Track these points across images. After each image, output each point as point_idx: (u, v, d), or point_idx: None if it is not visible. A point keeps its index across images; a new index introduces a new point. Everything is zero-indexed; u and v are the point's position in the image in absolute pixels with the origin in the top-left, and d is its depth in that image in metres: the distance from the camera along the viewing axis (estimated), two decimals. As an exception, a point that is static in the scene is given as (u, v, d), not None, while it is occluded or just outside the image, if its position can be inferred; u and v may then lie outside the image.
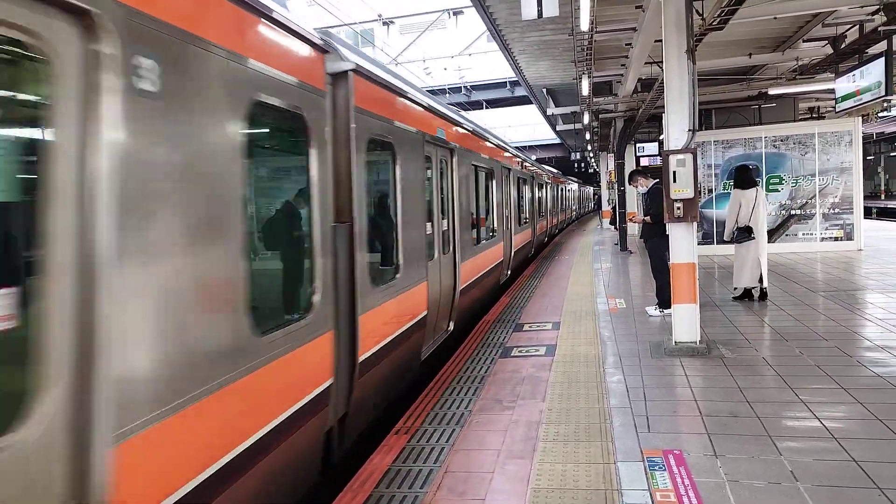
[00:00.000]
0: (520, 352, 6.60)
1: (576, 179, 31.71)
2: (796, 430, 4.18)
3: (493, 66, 26.90)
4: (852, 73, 10.67)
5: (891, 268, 11.18)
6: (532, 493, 3.44)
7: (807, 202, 14.16)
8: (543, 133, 39.92)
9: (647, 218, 8.15)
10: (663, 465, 3.69)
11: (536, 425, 4.45)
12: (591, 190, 58.91)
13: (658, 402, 4.83)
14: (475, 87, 28.36)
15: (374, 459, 4.05)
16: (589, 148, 32.05)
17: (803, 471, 3.51)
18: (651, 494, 3.35)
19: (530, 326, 7.83)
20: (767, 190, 14.32)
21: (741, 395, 4.84)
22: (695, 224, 6.31)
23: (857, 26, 10.89)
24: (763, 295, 8.62)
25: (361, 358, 4.33)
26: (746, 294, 8.74)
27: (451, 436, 4.35)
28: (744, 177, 8.69)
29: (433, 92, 24.02)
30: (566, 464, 3.80)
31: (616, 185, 18.86)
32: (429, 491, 3.55)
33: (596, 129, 22.42)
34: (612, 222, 22.25)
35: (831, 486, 3.32)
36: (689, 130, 6.13)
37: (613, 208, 21.85)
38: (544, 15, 6.08)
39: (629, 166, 17.78)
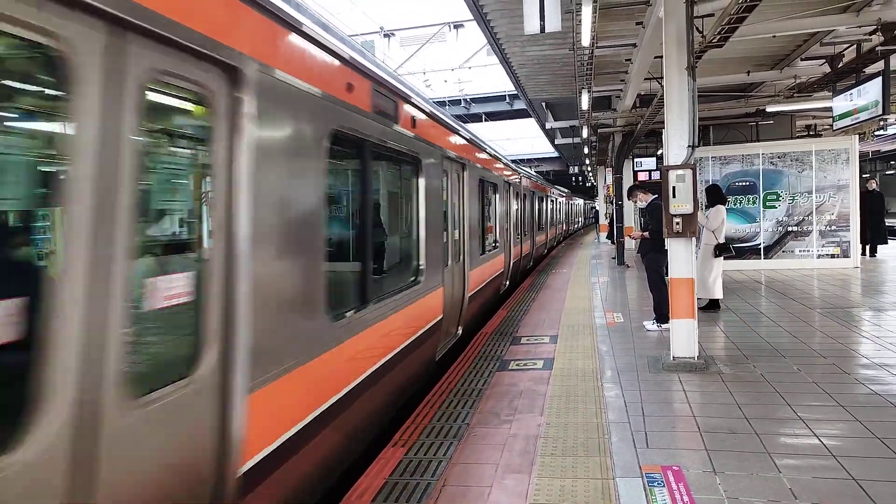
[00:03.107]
0: (517, 365, 6.58)
1: (564, 190, 31.77)
2: (795, 447, 4.17)
3: (492, 79, 27.18)
4: (850, 92, 10.76)
5: (887, 285, 11.21)
6: (530, 508, 3.42)
7: (803, 219, 14.22)
8: (542, 146, 40.10)
9: (646, 233, 8.19)
10: (662, 482, 3.67)
11: (534, 439, 4.44)
12: (587, 204, 58.88)
13: (656, 417, 4.82)
14: (474, 100, 28.48)
15: (371, 472, 4.02)
16: (587, 162, 32.17)
17: (802, 488, 3.50)
18: (650, 511, 3.34)
19: (528, 340, 7.82)
20: (764, 206, 14.41)
21: (739, 412, 4.83)
22: (693, 239, 6.33)
23: (855, 46, 11.00)
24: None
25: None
26: (713, 305, 9.07)
27: (449, 449, 4.33)
28: (722, 194, 9.22)
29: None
30: (564, 479, 3.78)
31: (614, 200, 18.90)
32: (426, 504, 3.53)
33: (594, 144, 22.51)
34: (609, 236, 22.23)
35: (830, 505, 3.31)
36: (689, 146, 6.17)
37: (610, 222, 21.84)
38: (547, 30, 6.11)
39: (627, 181, 17.85)
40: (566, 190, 35.84)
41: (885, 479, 3.58)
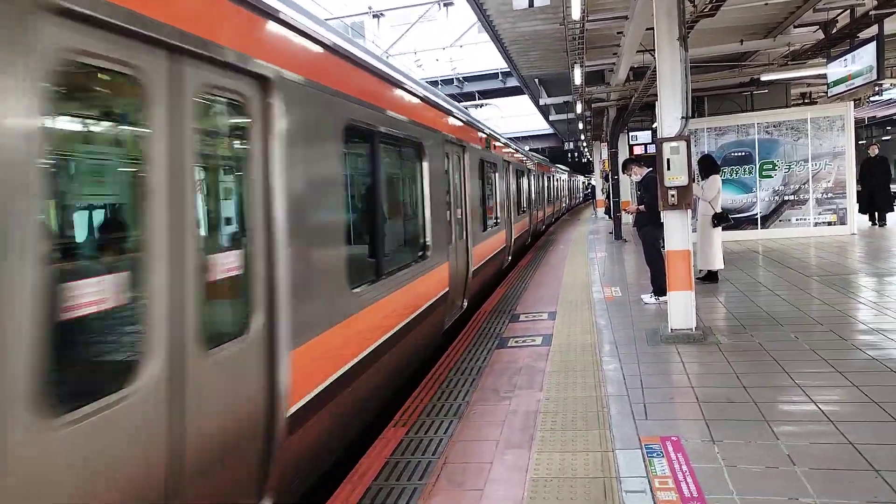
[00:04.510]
0: (516, 342, 6.61)
1: (560, 166, 31.90)
2: (793, 414, 4.20)
3: (484, 57, 26.86)
4: (844, 58, 10.66)
5: (883, 252, 11.22)
6: (531, 483, 3.45)
7: (800, 187, 14.19)
8: (536, 123, 39.87)
9: (642, 207, 8.17)
10: (661, 452, 3.70)
11: (534, 415, 4.46)
12: (575, 180, 58.42)
13: (655, 389, 4.85)
14: (467, 79, 28.31)
15: (373, 451, 4.05)
16: (582, 137, 32.02)
17: (800, 454, 3.53)
18: (650, 481, 3.37)
19: (526, 316, 7.84)
20: (760, 176, 14.37)
21: (737, 381, 4.86)
22: (689, 211, 6.32)
23: (848, 11, 10.88)
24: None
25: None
26: (711, 276, 9.08)
27: (450, 427, 4.36)
28: (716, 164, 9.22)
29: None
30: (564, 452, 3.81)
31: (609, 175, 18.85)
32: (428, 482, 3.56)
33: (589, 119, 22.38)
34: (608, 211, 22.12)
35: (828, 469, 3.34)
36: (683, 118, 6.13)
37: (608, 197, 21.77)
38: (535, 4, 6.05)
39: (622, 155, 17.79)
40: (558, 164, 35.69)
41: (882, 443, 3.61)
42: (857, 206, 14.34)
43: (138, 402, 2.26)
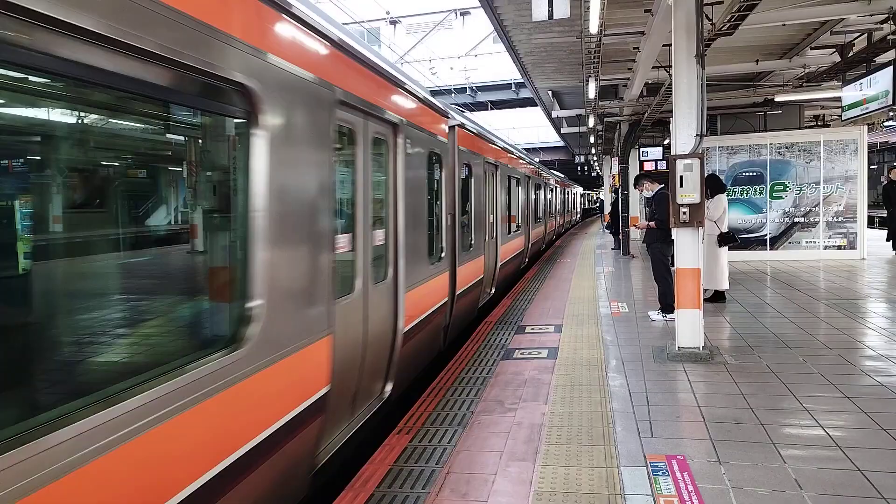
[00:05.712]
0: (522, 354, 6.58)
1: (562, 178, 31.91)
2: (800, 437, 4.17)
3: (498, 67, 26.97)
4: (859, 82, 10.63)
5: (893, 277, 11.15)
6: (535, 496, 3.43)
7: (810, 210, 14.12)
8: (547, 135, 39.91)
9: (652, 223, 8.15)
10: (666, 471, 3.67)
11: (539, 428, 4.44)
12: (583, 194, 57.61)
13: (661, 406, 4.82)
14: (480, 88, 28.37)
15: (377, 459, 4.04)
16: (593, 151, 31.99)
17: (807, 479, 3.50)
18: (655, 499, 3.34)
19: (532, 329, 7.82)
20: (771, 197, 14.32)
21: (744, 402, 4.82)
22: (701, 229, 6.29)
23: (866, 35, 10.87)
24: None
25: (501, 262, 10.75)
26: (718, 296, 8.94)
27: (454, 437, 4.34)
28: (721, 183, 9.13)
29: (438, 92, 24.03)
30: (569, 467, 3.78)
31: (620, 189, 18.80)
32: (431, 491, 3.54)
33: (600, 133, 22.37)
34: (610, 227, 21.50)
35: (836, 496, 3.30)
36: (697, 135, 6.12)
37: (612, 212, 21.44)
38: (555, 16, 6.06)
39: (633, 170, 17.77)
40: (556, 173, 35.58)
41: (890, 471, 3.57)
42: (867, 231, 14.15)
43: (353, 300, 4.22)
